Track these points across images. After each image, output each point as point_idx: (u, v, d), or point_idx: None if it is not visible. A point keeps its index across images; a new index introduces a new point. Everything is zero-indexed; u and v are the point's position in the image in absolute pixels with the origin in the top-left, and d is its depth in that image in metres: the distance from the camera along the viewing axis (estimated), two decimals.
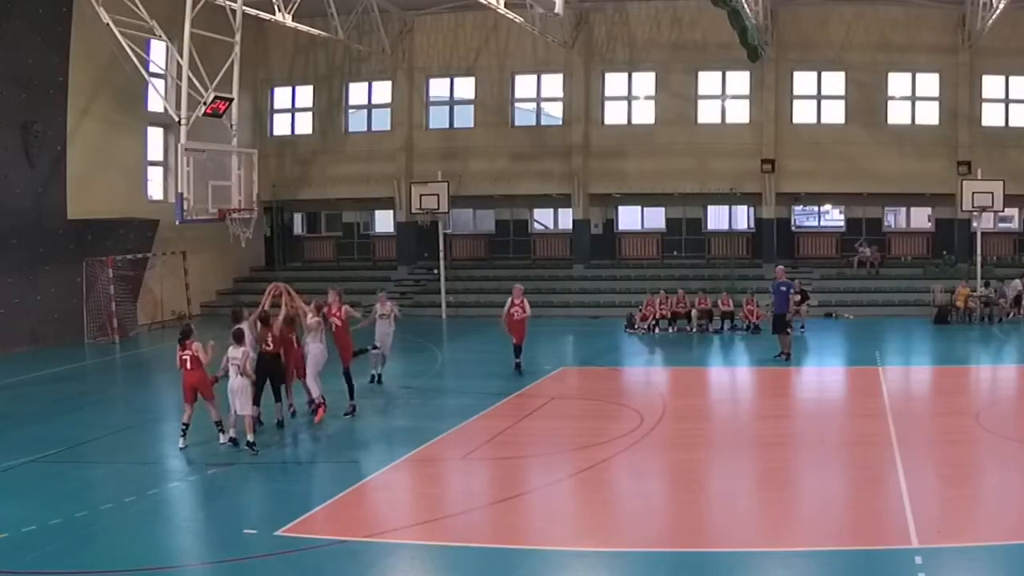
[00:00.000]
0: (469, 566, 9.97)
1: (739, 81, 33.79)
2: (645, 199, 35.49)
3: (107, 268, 27.60)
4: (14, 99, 25.31)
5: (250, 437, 14.35)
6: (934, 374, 22.27)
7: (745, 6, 24.94)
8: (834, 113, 33.49)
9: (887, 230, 35.23)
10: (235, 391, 14.44)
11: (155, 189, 31.96)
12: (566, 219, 36.04)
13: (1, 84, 24.89)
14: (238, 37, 22.21)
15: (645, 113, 34.76)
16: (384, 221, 37.76)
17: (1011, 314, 29.18)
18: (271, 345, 15.35)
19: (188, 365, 14.44)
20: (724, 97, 34.29)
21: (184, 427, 14.46)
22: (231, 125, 22.32)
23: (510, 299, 20.57)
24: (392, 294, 24.96)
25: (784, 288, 22.39)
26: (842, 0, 32.46)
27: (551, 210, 36.83)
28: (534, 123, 36.42)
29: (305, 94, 36.93)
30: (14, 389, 20.48)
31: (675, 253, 35.56)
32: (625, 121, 35.01)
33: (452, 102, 36.45)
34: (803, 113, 33.82)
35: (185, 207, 20.63)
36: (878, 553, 9.73)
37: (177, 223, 22.14)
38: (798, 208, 36.06)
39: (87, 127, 27.97)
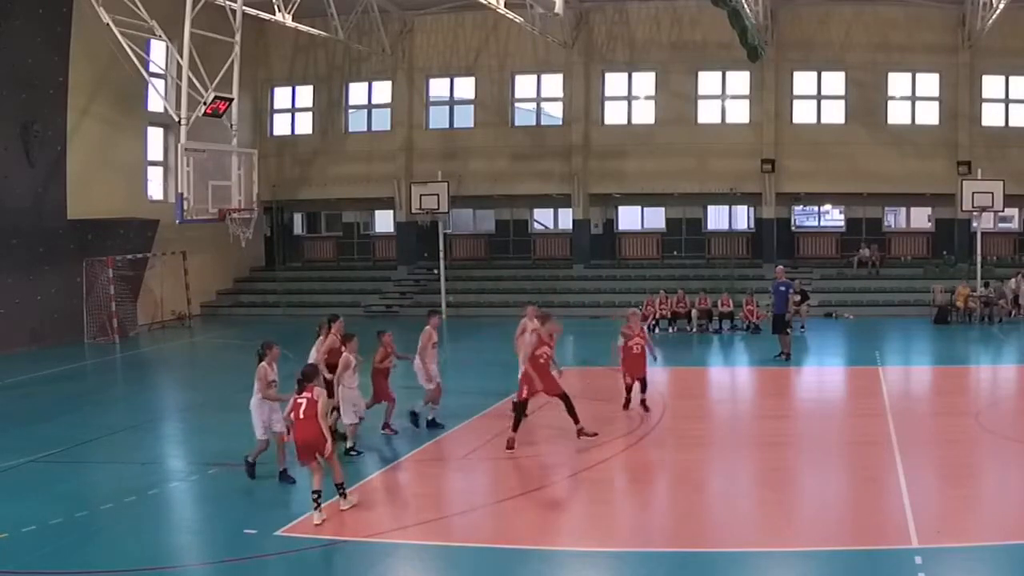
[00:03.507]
0: (469, 566, 9.98)
1: (739, 81, 33.81)
2: (645, 199, 35.52)
3: (107, 268, 27.64)
4: (14, 99, 25.32)
5: (350, 442, 14.13)
6: (934, 374, 22.26)
7: (745, 6, 24.95)
8: (834, 113, 33.51)
9: (887, 230, 35.25)
10: (341, 399, 14.05)
11: (155, 189, 32.00)
12: (566, 219, 36.05)
13: (1, 84, 24.91)
14: (238, 37, 22.21)
15: (645, 113, 34.78)
16: (384, 221, 37.79)
17: (1012, 313, 29.19)
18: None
19: (301, 414, 11.19)
20: (724, 97, 34.30)
21: (316, 494, 11.04)
22: (231, 125, 22.31)
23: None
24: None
25: (784, 288, 22.37)
26: (842, 0, 32.48)
27: (551, 210, 36.85)
28: (534, 123, 36.46)
29: (305, 94, 36.97)
30: (14, 389, 20.48)
31: (675, 253, 35.58)
32: (625, 121, 35.03)
33: (452, 102, 36.46)
34: (803, 113, 33.85)
35: (185, 207, 20.62)
36: (878, 553, 9.72)
37: (177, 223, 22.14)
38: (798, 208, 36.08)
39: (87, 127, 27.98)
